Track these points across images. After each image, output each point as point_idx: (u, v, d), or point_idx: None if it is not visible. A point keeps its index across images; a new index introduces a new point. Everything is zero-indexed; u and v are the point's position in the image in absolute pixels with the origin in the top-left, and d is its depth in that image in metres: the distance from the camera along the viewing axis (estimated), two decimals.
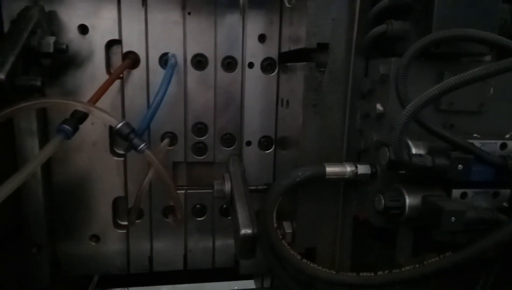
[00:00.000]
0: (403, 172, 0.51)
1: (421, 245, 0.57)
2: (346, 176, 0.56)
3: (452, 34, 0.45)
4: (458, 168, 0.46)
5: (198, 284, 0.99)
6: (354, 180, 0.58)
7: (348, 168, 0.56)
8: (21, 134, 0.67)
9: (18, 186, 0.47)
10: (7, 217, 0.67)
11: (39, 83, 0.54)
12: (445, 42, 0.47)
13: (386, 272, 0.54)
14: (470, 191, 0.50)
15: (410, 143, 0.49)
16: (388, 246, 0.61)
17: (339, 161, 0.60)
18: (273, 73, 0.73)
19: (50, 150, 0.51)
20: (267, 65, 0.73)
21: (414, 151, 0.49)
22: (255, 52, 0.72)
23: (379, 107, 0.54)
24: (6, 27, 0.63)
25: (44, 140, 0.69)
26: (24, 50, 0.55)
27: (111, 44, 0.69)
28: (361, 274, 0.56)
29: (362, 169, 0.56)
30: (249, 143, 0.76)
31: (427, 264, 0.52)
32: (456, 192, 0.50)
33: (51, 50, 0.58)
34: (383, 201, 0.52)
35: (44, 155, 0.50)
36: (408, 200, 0.50)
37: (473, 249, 0.48)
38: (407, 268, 0.53)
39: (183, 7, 0.69)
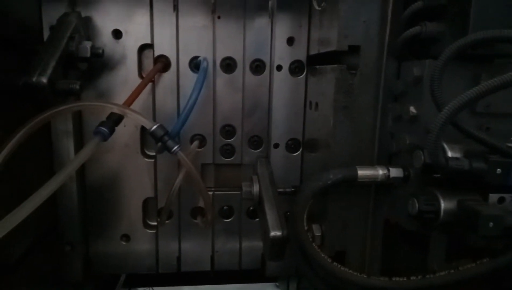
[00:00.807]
0: (438, 175, 0.50)
1: (454, 251, 0.56)
2: (378, 179, 0.56)
3: (493, 36, 0.44)
4: (497, 172, 0.45)
5: (220, 285, 1.00)
6: (385, 183, 0.57)
7: (380, 171, 0.55)
8: (57, 135, 0.69)
9: (58, 186, 0.48)
10: (44, 216, 0.69)
11: (77, 87, 0.56)
12: (484, 43, 0.46)
13: (419, 277, 0.53)
14: (508, 196, 0.49)
15: (445, 146, 0.49)
16: (419, 250, 0.60)
17: (369, 164, 0.59)
18: (301, 76, 0.73)
19: (89, 151, 0.53)
20: (295, 68, 0.73)
21: (449, 154, 0.48)
22: (283, 55, 0.72)
23: (412, 109, 0.53)
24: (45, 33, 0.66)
25: (79, 140, 0.71)
26: (63, 55, 0.58)
27: (143, 48, 0.71)
28: (393, 278, 0.55)
29: (395, 172, 0.55)
30: (276, 146, 0.76)
31: (463, 270, 0.51)
32: (493, 197, 0.49)
33: (88, 54, 0.60)
34: (417, 205, 0.51)
35: (83, 156, 0.52)
36: (443, 204, 0.50)
37: None
38: (442, 273, 0.52)
39: (213, 11, 0.70)
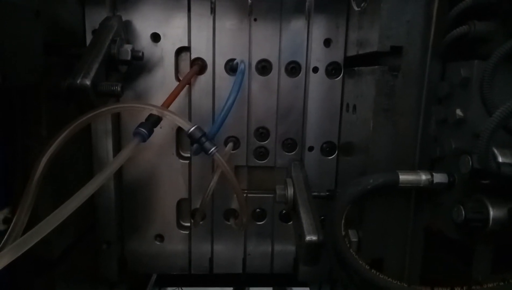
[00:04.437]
0: (486, 182, 0.48)
1: (500, 261, 0.53)
2: (420, 185, 0.53)
3: None
4: None
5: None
6: (427, 189, 0.55)
7: (423, 177, 0.53)
8: (97, 134, 0.71)
9: (100, 186, 0.49)
10: (84, 215, 0.71)
11: (119, 89, 0.57)
12: None
13: (464, 288, 0.51)
14: None
15: (496, 151, 0.46)
16: (462, 260, 0.58)
17: (410, 168, 0.57)
18: (338, 78, 0.72)
19: (129, 152, 0.54)
20: (332, 70, 0.72)
21: (500, 159, 0.46)
22: (320, 56, 0.71)
23: (459, 112, 0.51)
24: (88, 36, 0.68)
25: (117, 140, 0.73)
26: (105, 58, 0.59)
27: (180, 51, 0.72)
28: (435, 288, 0.53)
29: (439, 177, 0.53)
30: (311, 149, 0.75)
31: None
32: None
33: (129, 57, 0.62)
34: (463, 213, 0.49)
35: (123, 157, 0.53)
36: (492, 212, 0.47)
37: None
38: (490, 285, 0.49)
39: (250, 14, 0.70)
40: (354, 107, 0.65)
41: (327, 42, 0.70)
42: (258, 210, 0.79)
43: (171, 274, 0.85)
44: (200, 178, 0.76)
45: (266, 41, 0.71)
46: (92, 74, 0.55)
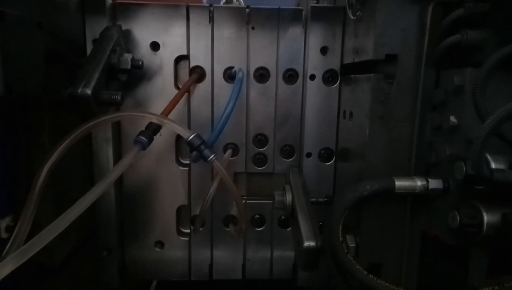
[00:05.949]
0: (480, 187, 0.49)
1: (495, 266, 0.53)
2: (416, 191, 0.54)
3: None
4: None
5: None
6: (423, 195, 0.56)
7: (419, 182, 0.54)
8: (98, 142, 0.72)
9: (101, 194, 0.50)
10: (85, 222, 0.72)
11: (119, 98, 0.58)
12: None
13: None
14: None
15: (489, 157, 0.47)
16: (458, 265, 0.58)
17: (406, 174, 0.58)
18: (335, 85, 0.73)
19: (129, 160, 0.54)
20: (329, 77, 0.73)
21: (493, 165, 0.47)
22: (316, 64, 0.72)
23: (453, 119, 0.52)
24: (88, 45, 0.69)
25: (117, 147, 0.74)
26: (106, 67, 0.60)
27: (179, 59, 0.73)
28: None
29: (434, 183, 0.54)
30: (309, 155, 0.76)
31: (508, 287, 0.49)
32: None
33: (129, 66, 0.63)
34: (458, 218, 0.50)
35: (124, 165, 0.54)
36: (486, 218, 0.48)
37: None
38: (485, 289, 0.50)
39: (247, 22, 0.71)
40: (351, 113, 0.66)
41: (323, 50, 0.72)
42: (257, 216, 0.80)
43: (171, 281, 0.85)
44: (199, 185, 0.77)
45: (264, 49, 0.73)
46: (93, 83, 0.56)
